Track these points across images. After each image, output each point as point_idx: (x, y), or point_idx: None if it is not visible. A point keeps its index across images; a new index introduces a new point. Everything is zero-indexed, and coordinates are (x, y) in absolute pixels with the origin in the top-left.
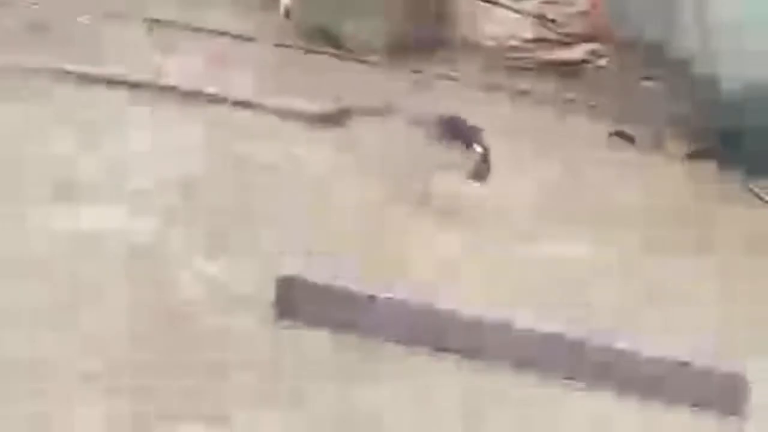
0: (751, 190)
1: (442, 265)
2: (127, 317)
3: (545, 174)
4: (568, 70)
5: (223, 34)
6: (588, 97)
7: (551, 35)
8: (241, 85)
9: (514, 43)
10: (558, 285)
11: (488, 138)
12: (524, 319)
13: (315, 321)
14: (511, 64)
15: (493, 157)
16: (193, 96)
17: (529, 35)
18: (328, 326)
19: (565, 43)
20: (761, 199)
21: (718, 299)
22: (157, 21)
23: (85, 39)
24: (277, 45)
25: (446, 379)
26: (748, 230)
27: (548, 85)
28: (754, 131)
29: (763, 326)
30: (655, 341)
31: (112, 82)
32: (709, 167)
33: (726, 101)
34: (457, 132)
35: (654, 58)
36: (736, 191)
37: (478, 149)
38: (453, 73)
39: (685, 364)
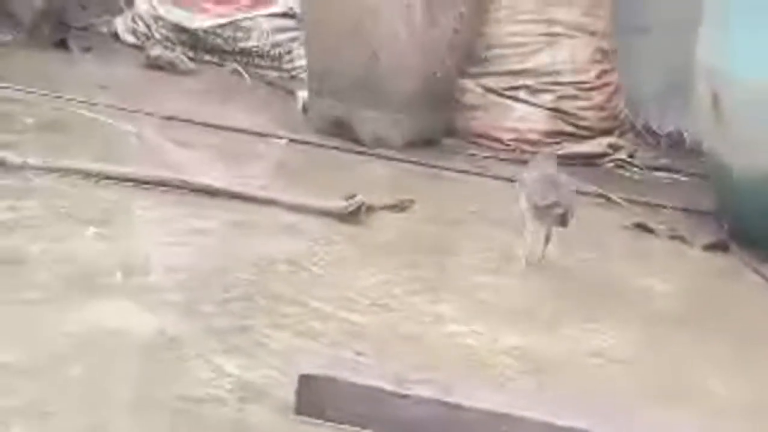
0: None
1: (468, 357)
2: (140, 414)
3: (565, 262)
4: (587, 163)
5: (238, 129)
6: (607, 189)
7: (568, 128)
8: (257, 181)
9: (531, 136)
10: (577, 373)
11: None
12: (552, 414)
13: (338, 418)
14: (529, 158)
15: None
16: (208, 192)
17: (546, 128)
18: (353, 424)
19: (583, 136)
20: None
21: (738, 390)
22: (172, 117)
23: (100, 136)
24: (293, 140)
25: None
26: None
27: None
28: None
29: None
30: None
31: (124, 179)
32: (729, 257)
33: (743, 191)
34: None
35: (673, 149)
36: (755, 280)
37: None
38: (471, 167)
39: None
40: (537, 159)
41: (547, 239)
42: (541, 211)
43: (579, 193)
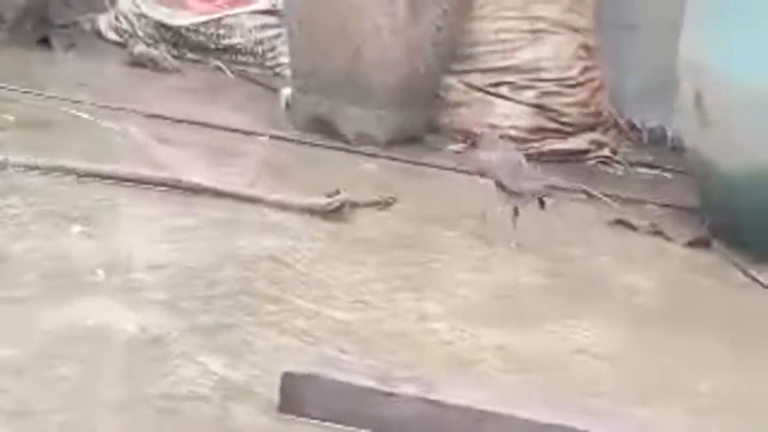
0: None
1: (451, 355)
2: (124, 412)
3: (546, 259)
4: (569, 159)
5: (221, 127)
6: (590, 186)
7: (552, 125)
8: (241, 179)
9: (514, 133)
10: (561, 370)
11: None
12: (536, 412)
13: (322, 416)
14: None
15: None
16: (190, 189)
17: (529, 125)
18: (336, 421)
19: (566, 132)
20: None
21: (722, 387)
22: (155, 115)
23: (84, 134)
24: (277, 137)
25: None
26: (748, 314)
27: (549, 175)
28: (755, 217)
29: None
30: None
31: (107, 177)
32: (711, 253)
33: (727, 187)
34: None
35: (656, 146)
36: (737, 277)
37: None
38: (455, 164)
39: None
40: (489, 141)
41: (516, 213)
42: (513, 196)
43: (559, 189)
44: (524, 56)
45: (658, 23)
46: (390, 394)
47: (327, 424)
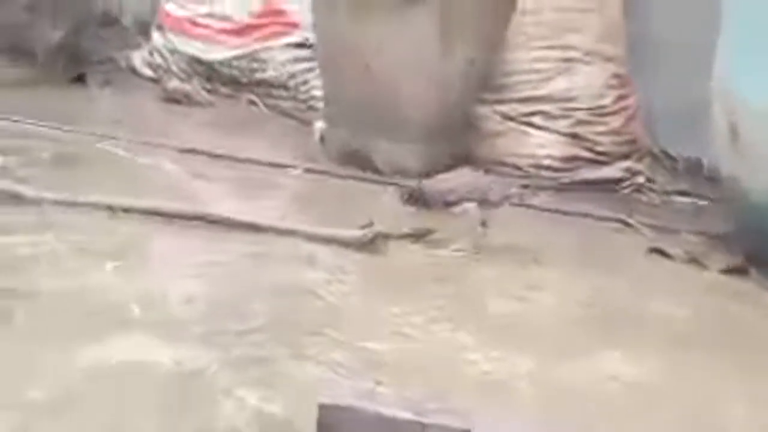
0: None
1: (487, 385)
2: None
3: (582, 288)
4: (605, 188)
5: (255, 161)
6: (625, 214)
7: (586, 154)
8: (275, 212)
9: (548, 162)
10: (597, 400)
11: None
12: None
13: None
14: (545, 184)
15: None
16: (225, 223)
17: (563, 154)
18: None
19: (600, 161)
20: None
21: (757, 416)
22: (189, 150)
23: (118, 170)
24: (311, 170)
25: None
26: None
27: (583, 204)
28: None
29: None
30: None
31: (142, 212)
32: (746, 280)
33: (759, 214)
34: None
35: (691, 174)
36: None
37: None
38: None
39: None
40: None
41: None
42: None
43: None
44: (557, 86)
45: (694, 49)
46: (426, 426)
47: None
